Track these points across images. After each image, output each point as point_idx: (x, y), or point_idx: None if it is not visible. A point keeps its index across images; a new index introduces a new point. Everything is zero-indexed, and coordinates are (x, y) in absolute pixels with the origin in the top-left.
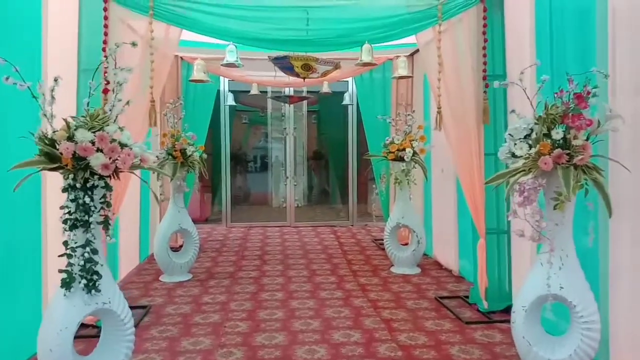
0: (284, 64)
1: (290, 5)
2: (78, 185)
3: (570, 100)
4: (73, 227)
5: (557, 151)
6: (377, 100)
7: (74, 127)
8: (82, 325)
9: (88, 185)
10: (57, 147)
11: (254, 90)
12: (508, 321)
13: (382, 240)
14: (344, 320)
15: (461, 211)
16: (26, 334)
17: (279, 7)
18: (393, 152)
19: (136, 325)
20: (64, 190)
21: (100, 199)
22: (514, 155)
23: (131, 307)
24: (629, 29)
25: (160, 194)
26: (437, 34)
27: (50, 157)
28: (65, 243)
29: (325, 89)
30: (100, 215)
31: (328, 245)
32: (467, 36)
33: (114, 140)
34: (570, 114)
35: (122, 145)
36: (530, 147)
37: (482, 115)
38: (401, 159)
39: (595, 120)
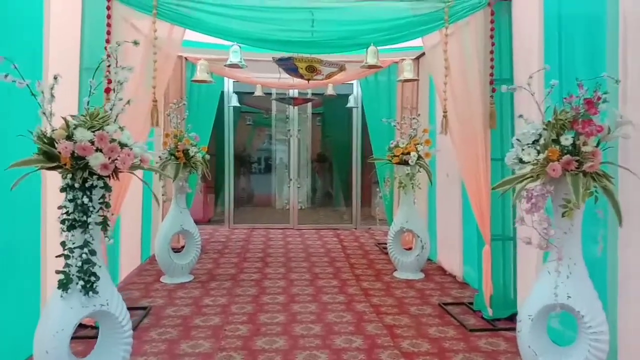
0: (288, 65)
1: (296, 6)
2: (77, 185)
3: (580, 106)
4: (71, 228)
5: (566, 157)
6: (382, 103)
7: (73, 126)
8: (81, 326)
9: (87, 185)
10: (56, 146)
11: (258, 92)
12: (513, 329)
13: (386, 244)
14: (346, 325)
15: (466, 216)
16: (24, 335)
17: (284, 8)
18: (398, 156)
19: (136, 327)
20: (62, 190)
21: (99, 199)
22: (521, 161)
23: (131, 309)
24: None
25: (163, 195)
26: (444, 37)
27: (49, 156)
28: (63, 244)
29: (330, 91)
30: (99, 215)
31: (331, 248)
32: (474, 39)
33: (113, 140)
34: (580, 120)
35: (122, 145)
36: (539, 152)
37: (489, 120)
38: (406, 163)
39: (606, 126)
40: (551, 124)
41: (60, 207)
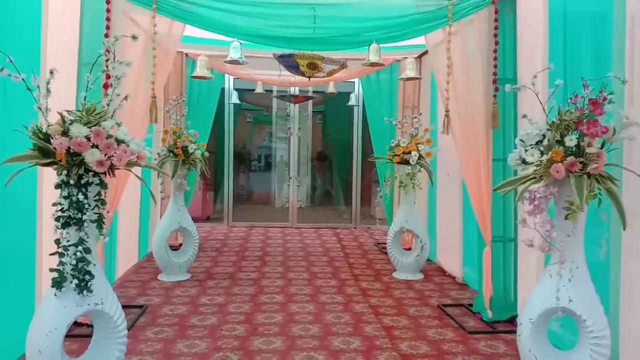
0: (289, 62)
1: (298, 2)
2: (72, 181)
3: (585, 106)
4: (66, 225)
5: (570, 159)
6: (383, 101)
7: (69, 122)
8: (76, 324)
9: (82, 182)
10: (52, 141)
11: (259, 89)
12: (513, 332)
13: (385, 244)
14: (344, 326)
15: (466, 217)
16: (18, 334)
17: (286, 4)
18: (398, 155)
19: (132, 326)
20: (57, 186)
21: (94, 196)
22: (524, 162)
23: (128, 307)
24: None
25: (161, 192)
26: (447, 36)
27: (44, 152)
28: (57, 241)
29: (331, 89)
30: (95, 213)
31: (330, 247)
32: (477, 38)
33: (110, 136)
34: (584, 121)
35: (119, 142)
36: (542, 153)
37: (491, 120)
38: (406, 162)
39: (611, 127)
40: (555, 124)
41: (55, 204)
